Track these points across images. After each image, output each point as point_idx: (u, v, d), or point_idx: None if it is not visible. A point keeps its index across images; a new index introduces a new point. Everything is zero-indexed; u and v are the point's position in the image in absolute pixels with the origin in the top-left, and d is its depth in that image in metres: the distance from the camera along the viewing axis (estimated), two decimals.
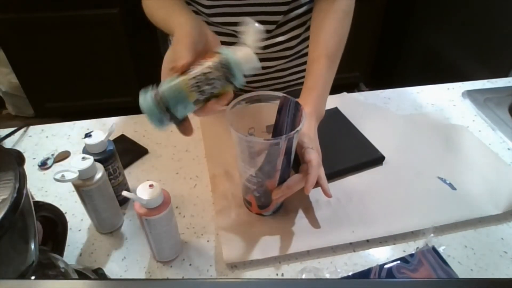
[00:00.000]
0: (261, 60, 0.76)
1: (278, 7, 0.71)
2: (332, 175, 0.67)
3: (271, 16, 0.72)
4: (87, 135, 0.58)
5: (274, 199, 0.58)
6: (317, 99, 0.64)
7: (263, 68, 0.80)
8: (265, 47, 0.75)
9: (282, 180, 0.58)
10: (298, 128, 0.52)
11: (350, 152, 0.72)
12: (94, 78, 1.80)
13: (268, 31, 0.73)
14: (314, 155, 0.57)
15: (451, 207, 0.64)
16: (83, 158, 0.53)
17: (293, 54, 0.80)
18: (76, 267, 0.51)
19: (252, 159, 0.55)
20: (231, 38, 0.74)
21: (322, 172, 0.60)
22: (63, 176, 0.51)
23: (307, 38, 0.79)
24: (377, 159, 0.72)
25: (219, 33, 0.74)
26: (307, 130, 0.60)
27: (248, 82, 0.81)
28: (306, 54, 0.79)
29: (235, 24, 0.71)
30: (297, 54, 0.81)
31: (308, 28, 0.77)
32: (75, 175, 0.52)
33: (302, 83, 0.83)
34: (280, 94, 0.57)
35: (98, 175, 0.55)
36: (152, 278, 0.56)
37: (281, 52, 0.79)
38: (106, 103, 1.88)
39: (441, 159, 0.73)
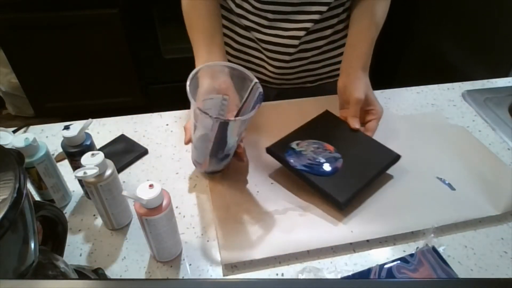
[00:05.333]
0: (297, 52, 0.80)
1: None
2: (361, 189, 0.64)
3: (319, 6, 0.75)
4: (66, 127, 0.59)
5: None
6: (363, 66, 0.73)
7: (298, 59, 0.82)
8: (302, 36, 0.78)
9: (214, 149, 0.61)
10: (232, 119, 0.57)
11: (368, 159, 0.67)
12: (94, 78, 1.79)
13: (313, 20, 0.76)
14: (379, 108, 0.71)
15: (451, 207, 0.64)
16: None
17: (326, 44, 0.82)
18: (76, 267, 0.51)
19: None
20: (273, 29, 0.77)
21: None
22: (85, 173, 0.52)
23: (341, 30, 0.82)
24: (394, 159, 0.68)
25: (263, 25, 0.78)
26: (368, 89, 0.71)
27: (280, 74, 0.84)
28: (338, 47, 0.84)
29: (282, 13, 0.75)
30: (330, 44, 0.83)
31: (341, 21, 0.80)
32: (96, 170, 0.53)
33: (333, 76, 0.89)
34: (253, 78, 0.60)
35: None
36: (152, 278, 0.56)
37: (315, 42, 0.80)
38: (106, 103, 1.88)
39: (440, 160, 0.73)
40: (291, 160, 0.66)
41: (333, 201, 0.62)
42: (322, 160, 0.66)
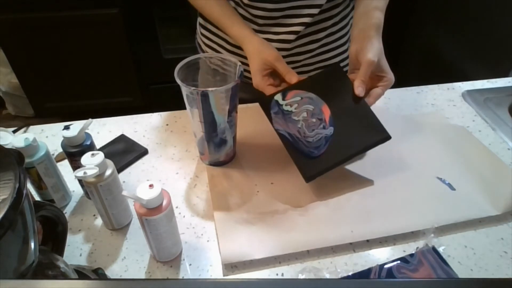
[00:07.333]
0: (289, 55, 0.80)
1: (316, 1, 0.73)
2: (340, 162, 0.64)
3: (310, 9, 0.74)
4: (66, 127, 0.59)
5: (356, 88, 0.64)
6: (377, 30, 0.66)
7: (290, 62, 0.81)
8: (293, 40, 0.78)
9: (207, 130, 0.65)
10: (210, 89, 0.59)
11: (357, 131, 0.65)
12: (94, 78, 1.79)
13: (305, 24, 0.76)
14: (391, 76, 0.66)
15: (451, 207, 0.64)
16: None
17: (319, 47, 0.81)
18: (76, 267, 0.51)
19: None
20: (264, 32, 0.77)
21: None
22: (85, 173, 0.52)
23: (334, 32, 0.81)
24: (382, 139, 0.65)
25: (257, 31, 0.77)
26: (381, 55, 0.65)
27: None
28: (331, 49, 0.83)
29: (271, 18, 0.75)
30: (323, 47, 0.82)
31: (334, 24, 0.80)
32: (96, 170, 0.53)
33: None
34: (236, 61, 0.65)
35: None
36: (152, 278, 0.56)
37: (308, 46, 0.80)
38: (106, 103, 1.88)
39: (440, 159, 0.73)
40: (277, 121, 0.64)
41: (301, 173, 0.62)
42: (312, 142, 0.64)
